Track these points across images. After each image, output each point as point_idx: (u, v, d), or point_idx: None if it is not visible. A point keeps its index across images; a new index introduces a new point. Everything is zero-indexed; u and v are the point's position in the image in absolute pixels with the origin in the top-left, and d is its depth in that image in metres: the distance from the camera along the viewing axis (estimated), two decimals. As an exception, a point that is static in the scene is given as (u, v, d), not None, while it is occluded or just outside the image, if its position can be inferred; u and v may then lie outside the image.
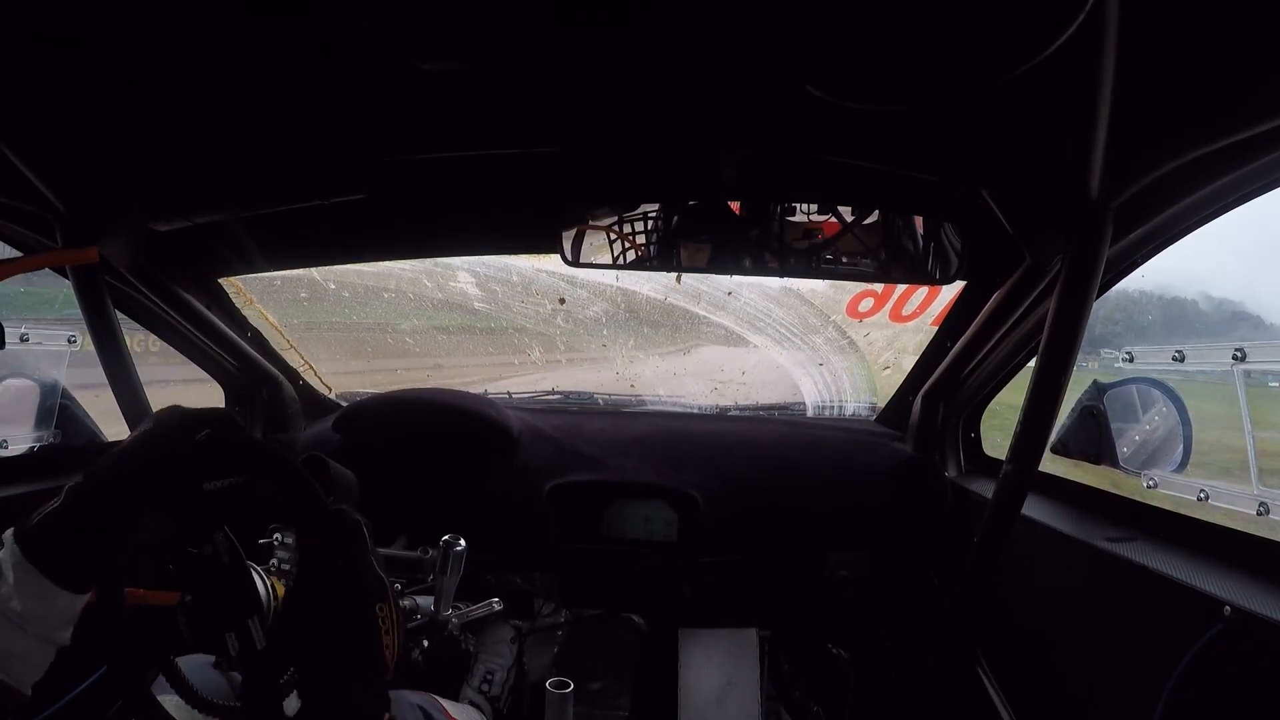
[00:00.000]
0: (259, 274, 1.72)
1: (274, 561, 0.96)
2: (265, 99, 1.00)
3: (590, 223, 1.45)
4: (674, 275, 1.96)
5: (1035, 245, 1.21)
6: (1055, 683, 1.26)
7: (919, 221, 1.38)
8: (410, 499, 1.57)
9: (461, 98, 1.00)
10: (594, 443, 1.72)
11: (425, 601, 1.18)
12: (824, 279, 1.88)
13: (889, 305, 2.02)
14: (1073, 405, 1.42)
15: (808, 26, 0.80)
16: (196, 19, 0.82)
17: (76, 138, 1.04)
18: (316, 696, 0.66)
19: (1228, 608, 0.87)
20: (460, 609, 1.23)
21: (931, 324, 1.82)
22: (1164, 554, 1.06)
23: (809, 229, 1.39)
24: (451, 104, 1.02)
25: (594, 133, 1.10)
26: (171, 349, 1.64)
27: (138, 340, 1.64)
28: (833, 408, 2.15)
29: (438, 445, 1.69)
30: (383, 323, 2.22)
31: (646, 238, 1.44)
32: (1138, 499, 1.28)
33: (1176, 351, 1.24)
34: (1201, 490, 1.18)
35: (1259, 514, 1.08)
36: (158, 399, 1.32)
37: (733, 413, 2.10)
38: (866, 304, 2.06)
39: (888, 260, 1.40)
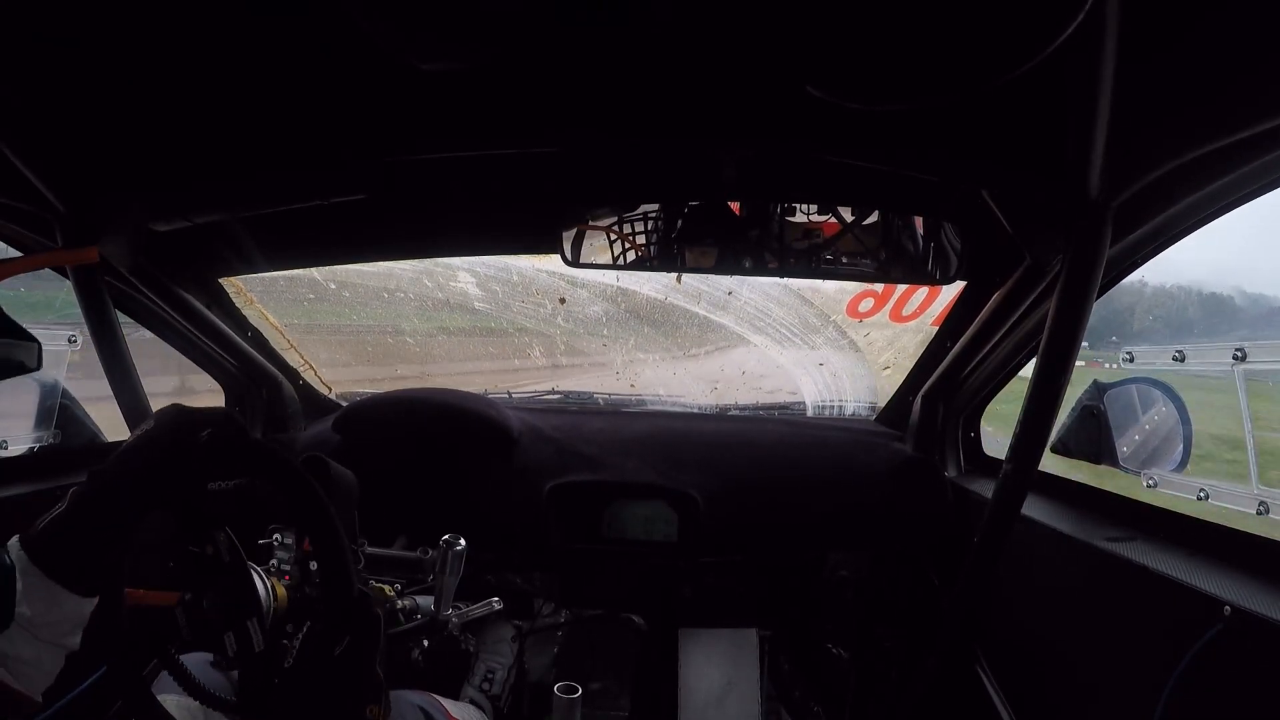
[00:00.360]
0: (259, 274, 1.72)
1: (274, 562, 0.96)
2: (265, 99, 1.00)
3: (590, 223, 1.44)
4: (674, 275, 1.96)
5: (1035, 245, 1.21)
6: (1055, 683, 1.26)
7: (919, 221, 1.38)
8: (410, 499, 1.57)
9: (461, 98, 1.00)
10: (594, 443, 1.72)
11: (425, 601, 1.18)
12: (824, 279, 1.87)
13: (889, 305, 2.01)
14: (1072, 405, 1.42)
15: (808, 27, 0.80)
16: (196, 19, 0.82)
17: (76, 138, 1.04)
18: None
19: (1228, 608, 0.87)
20: (460, 609, 1.23)
21: (932, 324, 1.82)
22: (1164, 554, 1.07)
23: (809, 229, 1.39)
24: (451, 104, 1.02)
25: (594, 133, 1.10)
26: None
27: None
28: (833, 408, 2.15)
29: (438, 445, 1.69)
30: (383, 323, 2.21)
31: (646, 238, 1.44)
32: (1139, 499, 1.28)
33: (1177, 351, 1.24)
34: (1201, 490, 1.18)
35: (1259, 513, 1.08)
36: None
37: (733, 413, 2.10)
38: (867, 304, 2.05)
39: (888, 260, 1.40)
